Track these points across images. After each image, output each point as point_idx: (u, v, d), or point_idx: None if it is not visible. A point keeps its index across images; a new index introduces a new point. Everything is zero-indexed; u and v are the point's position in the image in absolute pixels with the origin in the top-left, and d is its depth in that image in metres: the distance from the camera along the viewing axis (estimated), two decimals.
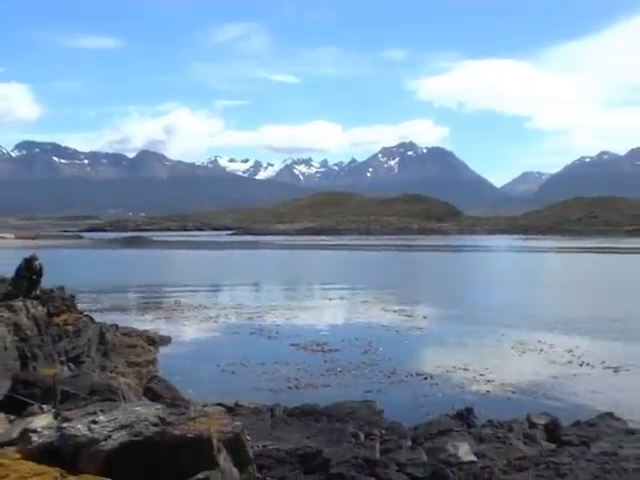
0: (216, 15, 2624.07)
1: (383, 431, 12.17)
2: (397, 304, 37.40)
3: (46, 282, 18.01)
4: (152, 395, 15.41)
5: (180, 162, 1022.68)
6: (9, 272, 17.68)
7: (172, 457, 6.80)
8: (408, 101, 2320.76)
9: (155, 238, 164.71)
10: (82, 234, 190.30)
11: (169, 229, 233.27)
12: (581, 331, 27.89)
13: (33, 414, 8.54)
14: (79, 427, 7.14)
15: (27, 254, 17.67)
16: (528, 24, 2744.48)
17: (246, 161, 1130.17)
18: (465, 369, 20.88)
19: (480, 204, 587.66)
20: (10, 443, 7.26)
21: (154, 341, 24.86)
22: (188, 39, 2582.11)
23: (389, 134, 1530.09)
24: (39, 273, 17.12)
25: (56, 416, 7.82)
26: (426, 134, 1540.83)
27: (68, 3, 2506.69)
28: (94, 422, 7.22)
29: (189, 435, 6.95)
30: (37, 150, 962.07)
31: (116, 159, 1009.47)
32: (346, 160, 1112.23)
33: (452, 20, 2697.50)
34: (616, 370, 20.77)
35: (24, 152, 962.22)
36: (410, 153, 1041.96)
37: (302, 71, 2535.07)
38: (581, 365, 21.50)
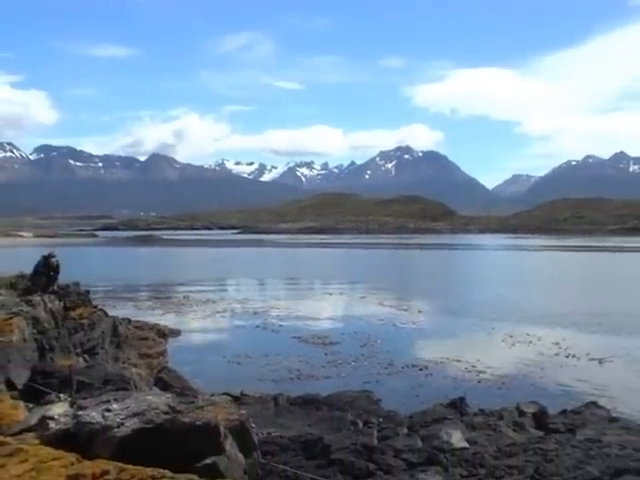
0: (223, 25, 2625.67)
1: (380, 419, 12.19)
2: (394, 299, 37.42)
3: (63, 278, 18.02)
4: (162, 385, 15.43)
5: (189, 165, 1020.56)
6: (28, 269, 17.69)
7: (181, 443, 6.82)
8: (405, 107, 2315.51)
9: (165, 236, 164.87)
10: (96, 233, 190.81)
11: (178, 228, 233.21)
12: (567, 324, 27.92)
13: (51, 402, 8.54)
14: (94, 415, 7.16)
15: (45, 252, 17.66)
16: (517, 35, 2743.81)
17: (251, 164, 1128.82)
18: (458, 361, 20.90)
19: (472, 205, 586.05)
20: (29, 429, 7.28)
21: (164, 334, 24.90)
22: (197, 48, 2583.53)
23: (387, 138, 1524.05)
24: (56, 270, 17.11)
25: (72, 404, 7.83)
26: (422, 138, 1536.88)
27: (84, 14, 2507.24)
28: (108, 410, 7.24)
29: (197, 422, 6.97)
30: (54, 153, 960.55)
31: (128, 162, 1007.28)
32: (346, 163, 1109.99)
33: (447, 31, 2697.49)
34: (600, 362, 20.79)
35: (42, 155, 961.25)
36: (406, 156, 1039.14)
37: (305, 78, 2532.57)
38: (567, 357, 21.53)
